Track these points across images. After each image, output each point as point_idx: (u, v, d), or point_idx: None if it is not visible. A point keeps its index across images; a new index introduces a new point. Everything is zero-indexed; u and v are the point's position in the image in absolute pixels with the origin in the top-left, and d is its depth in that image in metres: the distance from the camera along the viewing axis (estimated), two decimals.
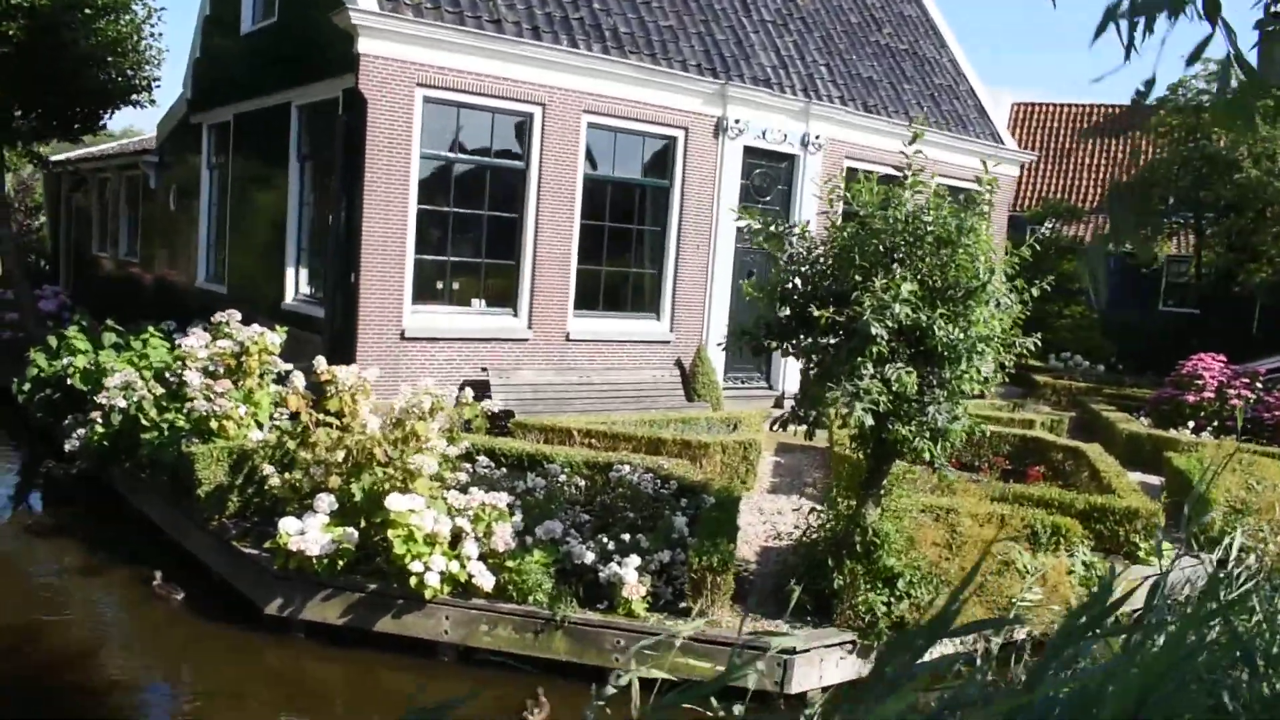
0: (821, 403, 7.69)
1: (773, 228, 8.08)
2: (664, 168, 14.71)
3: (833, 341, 7.76)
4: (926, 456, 7.75)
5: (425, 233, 12.98)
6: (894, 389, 7.50)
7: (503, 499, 8.69)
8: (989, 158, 18.39)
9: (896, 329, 7.49)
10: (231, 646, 8.59)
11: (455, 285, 13.46)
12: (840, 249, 7.85)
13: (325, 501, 8.77)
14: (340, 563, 8.62)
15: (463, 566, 8.34)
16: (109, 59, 17.03)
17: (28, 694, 7.54)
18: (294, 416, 9.49)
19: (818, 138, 15.75)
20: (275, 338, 11.07)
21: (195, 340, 11.16)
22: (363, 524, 8.68)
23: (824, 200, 8.17)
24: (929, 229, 7.65)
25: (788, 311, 8.09)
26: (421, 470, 8.64)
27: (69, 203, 24.88)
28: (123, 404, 10.89)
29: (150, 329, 13.04)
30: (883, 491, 8.51)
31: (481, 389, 13.16)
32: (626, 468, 10.12)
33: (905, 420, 7.67)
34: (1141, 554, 10.60)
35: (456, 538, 8.61)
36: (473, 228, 13.53)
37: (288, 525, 8.65)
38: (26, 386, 13.39)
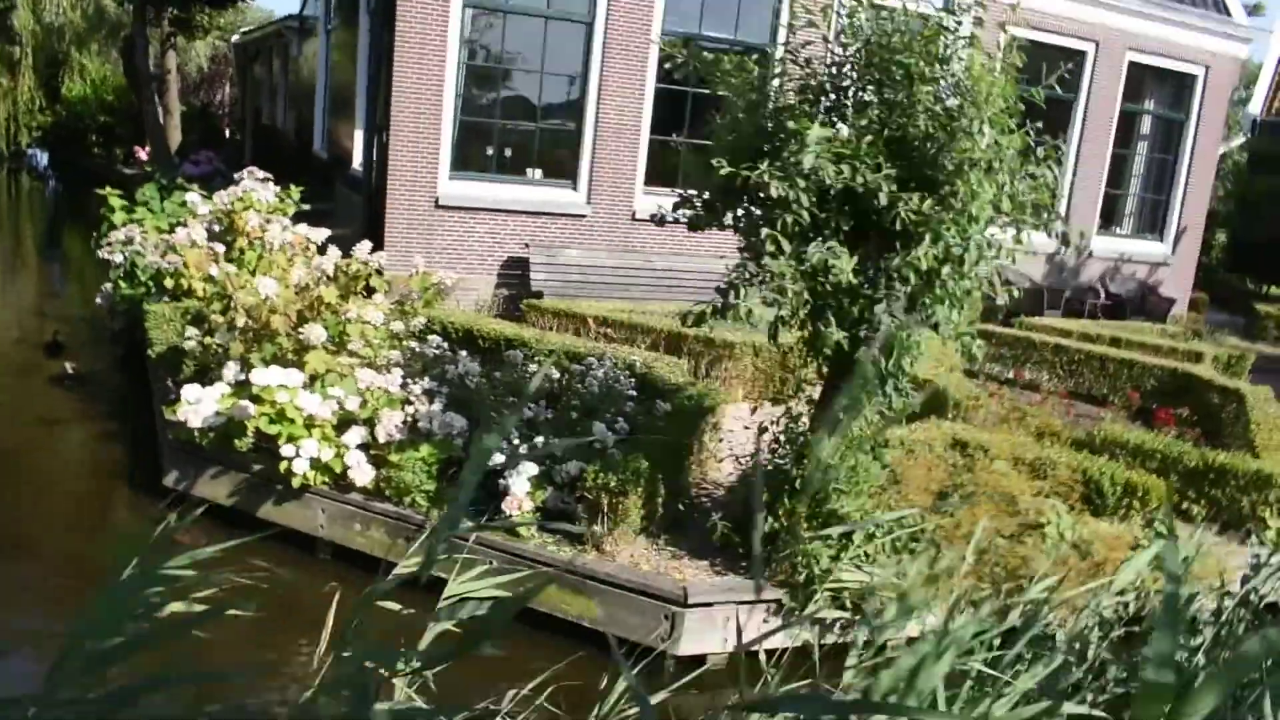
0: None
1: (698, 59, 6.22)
2: (763, 29, 12.63)
3: (757, 212, 5.94)
4: (868, 371, 5.78)
5: (469, 92, 11.74)
6: (831, 277, 5.61)
7: (394, 382, 7.47)
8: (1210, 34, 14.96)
9: (827, 194, 5.57)
10: (124, 510, 7.99)
11: (507, 152, 12.18)
12: (769, 85, 5.93)
13: (231, 371, 7.87)
14: (239, 440, 7.71)
15: (339, 455, 7.23)
16: None
17: None
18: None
19: None
20: (267, 194, 10.24)
21: (197, 196, 10.55)
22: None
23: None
24: (893, 56, 5.58)
25: (727, 171, 6.26)
26: (310, 341, 7.54)
27: (250, 74, 25.53)
28: (119, 259, 10.48)
29: (193, 187, 12.65)
30: (839, 414, 6.57)
31: (523, 266, 11.95)
32: (597, 361, 8.62)
33: (841, 321, 5.75)
34: (1272, 534, 8.05)
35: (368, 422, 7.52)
36: (527, 89, 12.15)
37: (189, 393, 7.83)
38: (104, 242, 13.43)
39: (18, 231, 23.48)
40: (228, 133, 28.42)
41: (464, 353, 8.75)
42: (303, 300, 7.86)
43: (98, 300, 11.50)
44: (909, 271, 5.37)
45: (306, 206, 14.48)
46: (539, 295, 11.33)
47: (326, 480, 7.32)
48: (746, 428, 7.71)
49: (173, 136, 23.64)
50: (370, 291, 8.60)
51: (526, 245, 11.98)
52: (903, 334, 5.66)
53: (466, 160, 11.91)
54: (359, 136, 13.60)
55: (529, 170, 12.26)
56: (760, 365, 9.83)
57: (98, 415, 9.82)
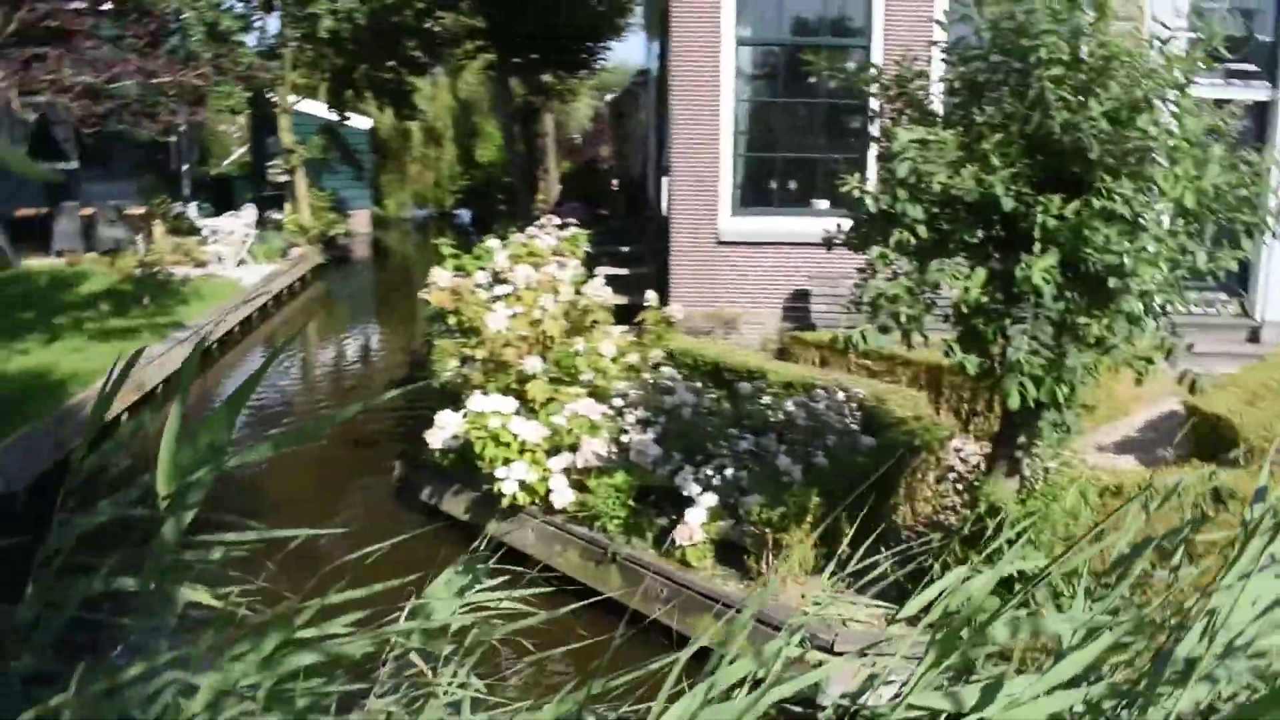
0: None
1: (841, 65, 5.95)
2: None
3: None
4: (1013, 402, 5.12)
5: (747, 127, 11.85)
6: (968, 296, 5.10)
7: (596, 410, 7.73)
8: None
9: (954, 205, 5.09)
10: (381, 516, 8.89)
11: (790, 185, 12.12)
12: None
13: (473, 399, 8.59)
14: (480, 461, 8.36)
15: (543, 479, 7.62)
16: None
17: None
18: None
19: None
20: (549, 239, 10.99)
21: (496, 242, 11.56)
22: None
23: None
24: (1020, 39, 5.00)
25: (849, 186, 5.98)
26: (527, 372, 8.02)
27: (619, 129, 27.28)
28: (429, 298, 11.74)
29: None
30: (1018, 452, 5.86)
31: (807, 299, 11.80)
32: (825, 393, 8.33)
33: (976, 344, 5.19)
34: None
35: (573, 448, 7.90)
36: (810, 119, 12.01)
37: (440, 418, 8.64)
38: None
39: None
40: (614, 185, 30.70)
41: (696, 383, 8.86)
42: (534, 333, 8.40)
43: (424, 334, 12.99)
44: (1027, 287, 4.73)
45: (625, 248, 15.37)
46: (813, 328, 11.13)
47: (535, 502, 7.75)
48: (953, 469, 7.10)
49: (551, 191, 26.04)
50: (596, 325, 8.94)
51: (809, 278, 11.82)
52: (1049, 359, 4.96)
53: (748, 196, 12.02)
54: (663, 183, 14.22)
55: (814, 201, 12.10)
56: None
57: (404, 434, 11.05)
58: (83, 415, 9.62)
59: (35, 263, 16.51)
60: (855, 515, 6.75)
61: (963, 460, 6.66)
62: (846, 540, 6.59)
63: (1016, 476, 5.86)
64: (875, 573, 5.64)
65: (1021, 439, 5.79)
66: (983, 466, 6.13)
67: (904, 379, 9.49)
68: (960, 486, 6.48)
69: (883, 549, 6.80)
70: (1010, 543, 5.69)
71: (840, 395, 8.32)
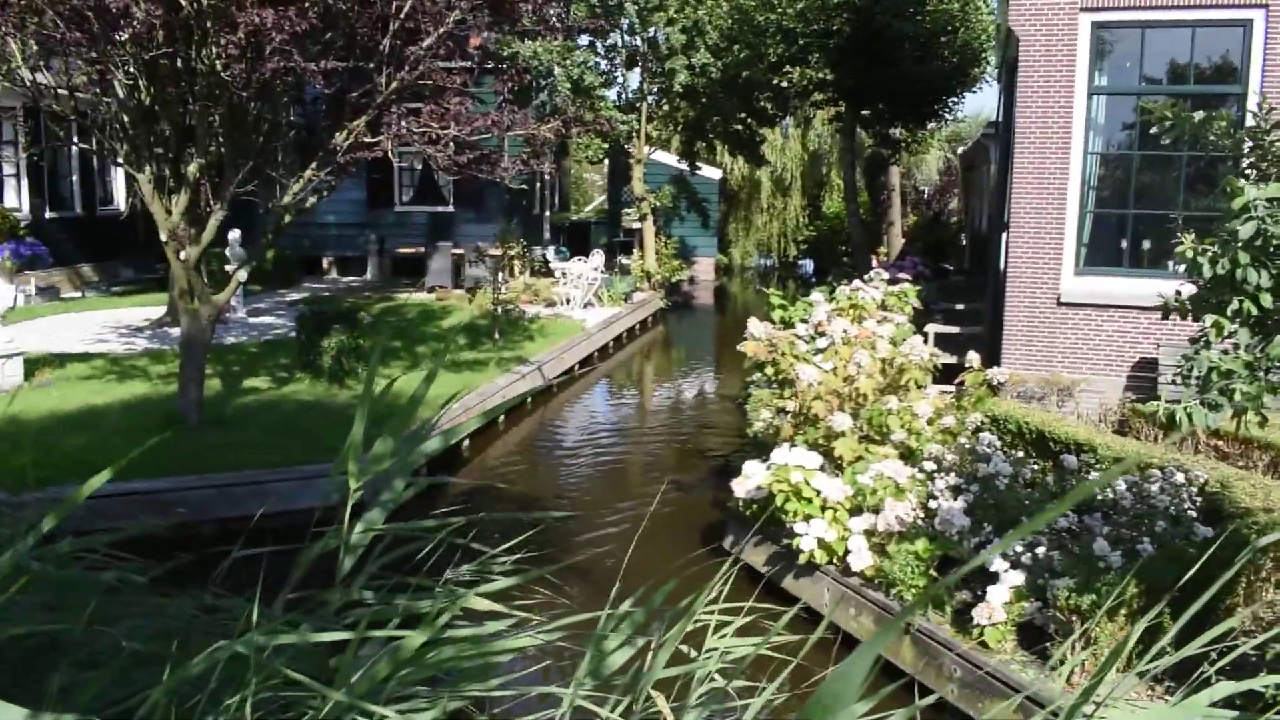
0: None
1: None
2: None
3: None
4: None
5: (1097, 181, 11.09)
6: None
7: (902, 472, 7.47)
8: None
9: None
10: (683, 559, 9.05)
11: (1144, 244, 11.17)
12: None
13: (779, 451, 8.61)
14: (783, 514, 8.39)
15: (842, 538, 7.49)
16: (941, 40, 17.77)
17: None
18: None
19: None
20: (874, 293, 10.81)
21: (819, 294, 11.55)
22: None
23: None
24: None
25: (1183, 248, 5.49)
26: (835, 429, 7.92)
27: (970, 182, 26.23)
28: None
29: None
30: None
31: (1152, 369, 10.82)
32: (1161, 473, 7.56)
33: None
34: None
35: (876, 510, 7.72)
36: (1165, 174, 11.02)
37: (746, 468, 8.74)
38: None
39: None
40: (962, 239, 29.75)
41: (1017, 453, 8.36)
42: (846, 389, 8.30)
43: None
44: None
45: (961, 306, 14.86)
46: (1158, 400, 10.16)
47: (833, 561, 7.62)
48: None
49: (894, 244, 25.63)
50: (912, 384, 8.67)
51: (1158, 345, 10.82)
52: None
53: (1095, 254, 11.22)
54: (1003, 238, 13.59)
55: (1169, 263, 11.08)
56: None
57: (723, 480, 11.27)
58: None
59: (411, 296, 18.54)
60: (1181, 613, 6.09)
61: None
62: (1168, 639, 5.98)
63: None
64: (1195, 678, 5.09)
65: None
66: None
67: (1260, 463, 8.44)
68: None
69: (1212, 654, 6.12)
70: None
71: (1179, 477, 7.52)
